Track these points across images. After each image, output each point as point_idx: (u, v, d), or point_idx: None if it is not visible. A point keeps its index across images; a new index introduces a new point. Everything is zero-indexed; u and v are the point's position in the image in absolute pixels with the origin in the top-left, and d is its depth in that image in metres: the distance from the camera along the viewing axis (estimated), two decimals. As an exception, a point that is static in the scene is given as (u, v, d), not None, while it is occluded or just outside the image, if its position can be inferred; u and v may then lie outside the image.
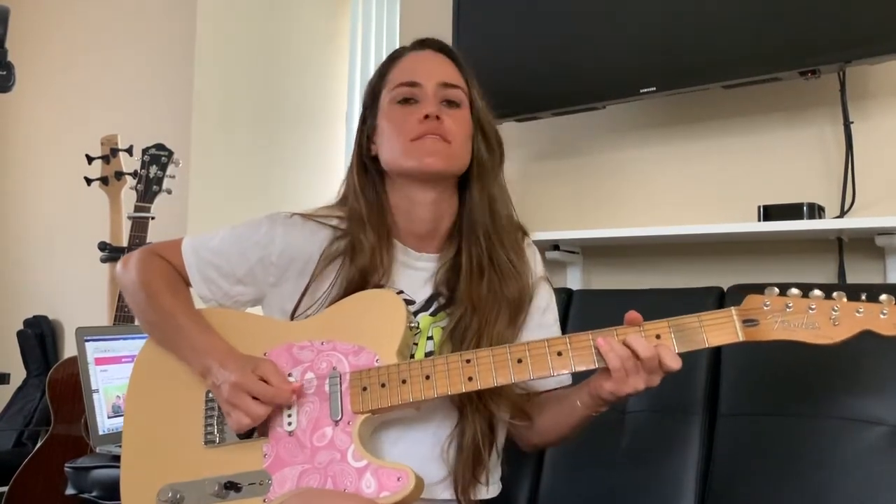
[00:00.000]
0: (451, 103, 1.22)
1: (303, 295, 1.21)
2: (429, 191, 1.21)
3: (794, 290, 1.01)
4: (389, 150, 1.21)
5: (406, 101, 1.21)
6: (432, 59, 1.25)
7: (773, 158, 1.80)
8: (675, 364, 1.01)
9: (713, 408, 1.39)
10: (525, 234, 1.30)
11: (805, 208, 1.60)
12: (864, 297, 0.98)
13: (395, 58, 1.27)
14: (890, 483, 1.18)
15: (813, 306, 0.99)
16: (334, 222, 1.24)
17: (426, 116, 1.17)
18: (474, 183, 1.23)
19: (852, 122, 1.65)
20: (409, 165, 1.19)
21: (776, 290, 1.02)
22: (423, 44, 1.28)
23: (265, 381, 1.11)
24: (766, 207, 1.66)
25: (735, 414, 1.37)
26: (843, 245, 1.67)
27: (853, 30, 1.54)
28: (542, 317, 1.29)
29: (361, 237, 1.19)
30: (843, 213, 1.65)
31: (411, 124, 1.18)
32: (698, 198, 1.91)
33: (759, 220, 1.66)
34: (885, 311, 0.96)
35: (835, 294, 0.99)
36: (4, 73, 1.28)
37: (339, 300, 1.18)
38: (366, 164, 1.25)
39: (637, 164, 2.01)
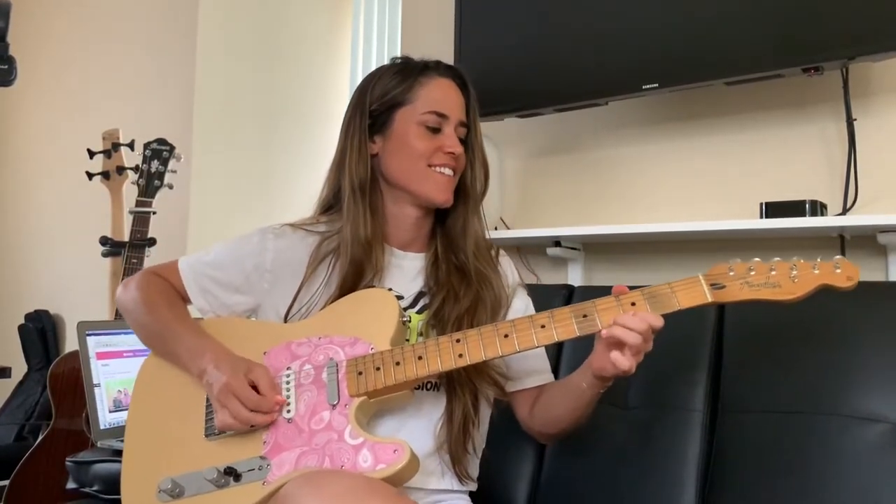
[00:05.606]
0: (461, 140, 1.31)
1: (295, 296, 1.26)
2: (419, 210, 1.31)
3: (756, 259, 1.09)
4: (402, 167, 1.28)
5: (432, 129, 1.27)
6: (455, 94, 1.31)
7: (775, 155, 1.80)
8: (658, 322, 1.07)
9: (715, 403, 1.39)
10: (498, 248, 1.40)
11: (807, 205, 1.60)
12: (819, 259, 1.06)
13: (421, 74, 1.30)
14: (891, 480, 1.18)
15: (774, 269, 1.07)
16: (322, 229, 1.31)
17: (451, 153, 1.27)
18: (459, 207, 1.32)
19: (855, 120, 1.65)
20: (420, 190, 1.27)
21: (738, 259, 1.10)
22: (450, 71, 1.33)
23: (255, 386, 1.14)
24: (767, 204, 1.65)
25: (736, 410, 1.36)
26: (845, 242, 1.67)
27: (856, 26, 1.53)
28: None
29: (359, 230, 1.24)
30: (845, 211, 1.65)
31: (434, 153, 1.27)
32: (700, 194, 1.90)
33: (761, 218, 1.66)
34: (838, 266, 1.04)
35: (794, 257, 1.07)
36: (6, 67, 1.28)
37: (335, 298, 1.23)
38: (367, 159, 1.29)
39: (639, 161, 2.00)
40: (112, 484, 1.50)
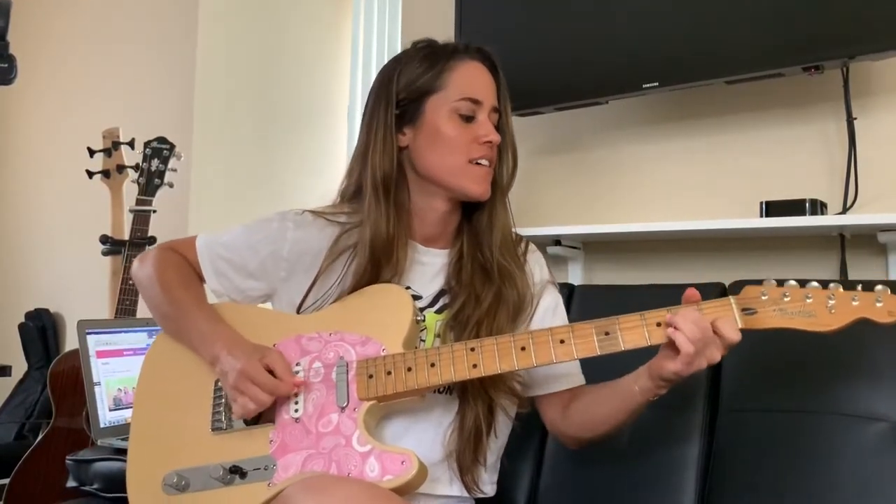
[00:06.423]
0: (494, 127, 1.25)
1: (310, 288, 1.23)
2: (449, 203, 1.25)
3: (792, 282, 1.03)
4: (437, 161, 1.21)
5: (465, 117, 1.22)
6: (486, 77, 1.25)
7: (775, 154, 1.80)
8: (735, 336, 1.01)
9: (714, 402, 1.39)
10: (528, 243, 1.33)
11: (807, 204, 1.60)
12: (859, 287, 1.00)
13: (450, 58, 1.23)
14: (891, 479, 1.18)
15: (809, 296, 1.01)
16: (342, 219, 1.26)
17: (489, 142, 1.21)
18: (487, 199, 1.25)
19: (855, 119, 1.65)
20: (457, 184, 1.21)
21: (774, 281, 1.03)
22: (479, 54, 1.26)
23: (271, 371, 1.12)
24: (768, 203, 1.65)
25: (736, 409, 1.36)
26: (844, 241, 1.67)
27: (857, 25, 1.53)
28: (553, 316, 1.30)
29: (380, 229, 1.19)
30: (845, 210, 1.65)
31: (471, 144, 1.21)
32: (700, 193, 1.90)
33: (761, 216, 1.66)
34: (880, 300, 0.98)
35: (831, 284, 1.01)
36: (6, 65, 1.27)
37: (350, 293, 1.19)
38: (392, 152, 1.22)
39: (639, 160, 2.00)
40: (112, 482, 1.50)
